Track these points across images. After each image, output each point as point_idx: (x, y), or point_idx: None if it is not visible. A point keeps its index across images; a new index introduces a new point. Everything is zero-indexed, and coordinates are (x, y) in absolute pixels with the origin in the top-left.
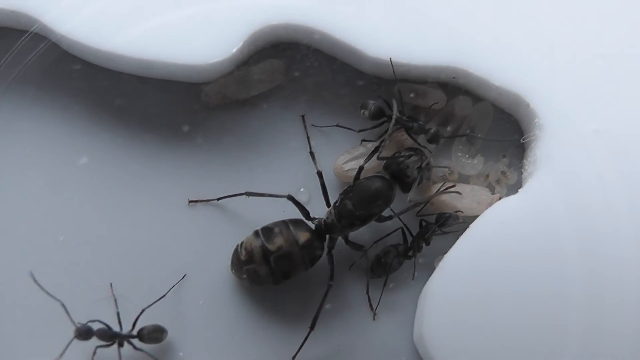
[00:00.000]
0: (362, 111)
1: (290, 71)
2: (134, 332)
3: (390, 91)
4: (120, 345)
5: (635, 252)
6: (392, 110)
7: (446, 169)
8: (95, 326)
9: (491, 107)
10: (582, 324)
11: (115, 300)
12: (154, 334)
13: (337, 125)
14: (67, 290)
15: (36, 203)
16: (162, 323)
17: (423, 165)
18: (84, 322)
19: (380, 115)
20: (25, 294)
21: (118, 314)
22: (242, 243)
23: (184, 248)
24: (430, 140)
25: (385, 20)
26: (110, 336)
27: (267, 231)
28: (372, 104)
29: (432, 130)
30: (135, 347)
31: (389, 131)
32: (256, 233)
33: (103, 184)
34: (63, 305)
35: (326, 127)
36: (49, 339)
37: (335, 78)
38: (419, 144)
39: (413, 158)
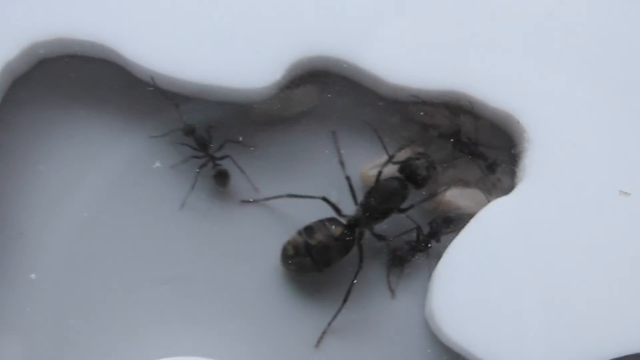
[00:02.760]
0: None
1: (323, 94)
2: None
3: (405, 110)
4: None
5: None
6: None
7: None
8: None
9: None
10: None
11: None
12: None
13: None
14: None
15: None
16: (215, 319)
17: (430, 166)
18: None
19: (449, 136)
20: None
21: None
22: (288, 241)
23: (231, 246)
24: (488, 168)
25: (401, 52)
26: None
27: (308, 229)
28: (446, 127)
29: (490, 160)
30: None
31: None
32: (299, 232)
33: (176, 186)
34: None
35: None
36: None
37: (359, 99)
38: (482, 169)
39: (421, 161)
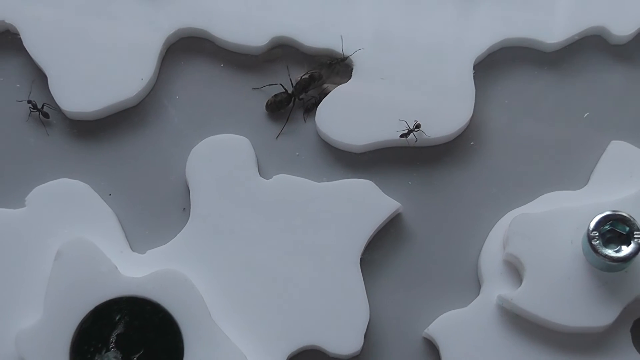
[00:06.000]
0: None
1: (284, 50)
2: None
3: (313, 56)
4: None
5: None
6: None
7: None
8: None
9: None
10: None
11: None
12: None
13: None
14: None
15: None
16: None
17: (320, 74)
18: None
19: (328, 65)
20: None
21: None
22: (267, 100)
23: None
24: (337, 73)
25: (311, 32)
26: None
27: (275, 95)
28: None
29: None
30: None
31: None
32: (272, 96)
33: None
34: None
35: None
36: None
37: (297, 52)
38: (340, 77)
39: (317, 72)
